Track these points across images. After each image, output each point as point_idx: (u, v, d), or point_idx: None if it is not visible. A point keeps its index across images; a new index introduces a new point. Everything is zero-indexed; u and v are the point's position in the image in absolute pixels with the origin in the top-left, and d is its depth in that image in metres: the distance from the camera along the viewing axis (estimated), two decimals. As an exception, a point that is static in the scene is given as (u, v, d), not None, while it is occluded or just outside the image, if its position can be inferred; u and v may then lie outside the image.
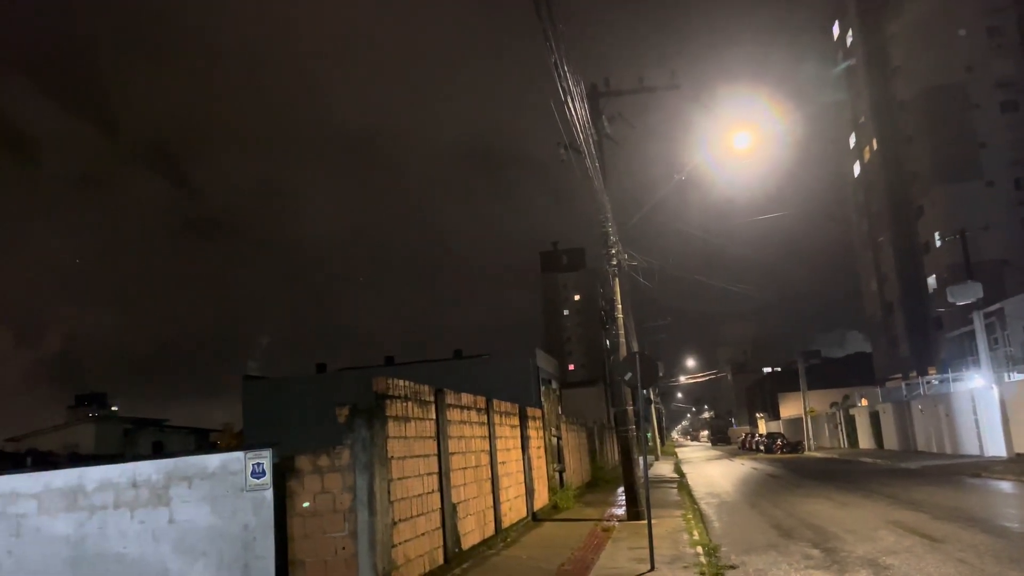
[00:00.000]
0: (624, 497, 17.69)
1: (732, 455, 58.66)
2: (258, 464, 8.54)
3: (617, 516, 17.06)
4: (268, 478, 8.49)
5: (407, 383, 9.98)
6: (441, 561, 10.53)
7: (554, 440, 21.47)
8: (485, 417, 14.06)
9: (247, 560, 8.36)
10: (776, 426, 79.15)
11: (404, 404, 9.77)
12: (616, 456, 28.64)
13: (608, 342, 15.71)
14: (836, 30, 73.08)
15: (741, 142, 15.92)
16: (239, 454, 8.67)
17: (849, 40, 69.57)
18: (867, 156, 68.54)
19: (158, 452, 39.30)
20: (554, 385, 40.63)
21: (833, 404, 66.31)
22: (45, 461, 29.64)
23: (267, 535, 8.37)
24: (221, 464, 8.64)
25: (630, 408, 17.07)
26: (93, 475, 8.92)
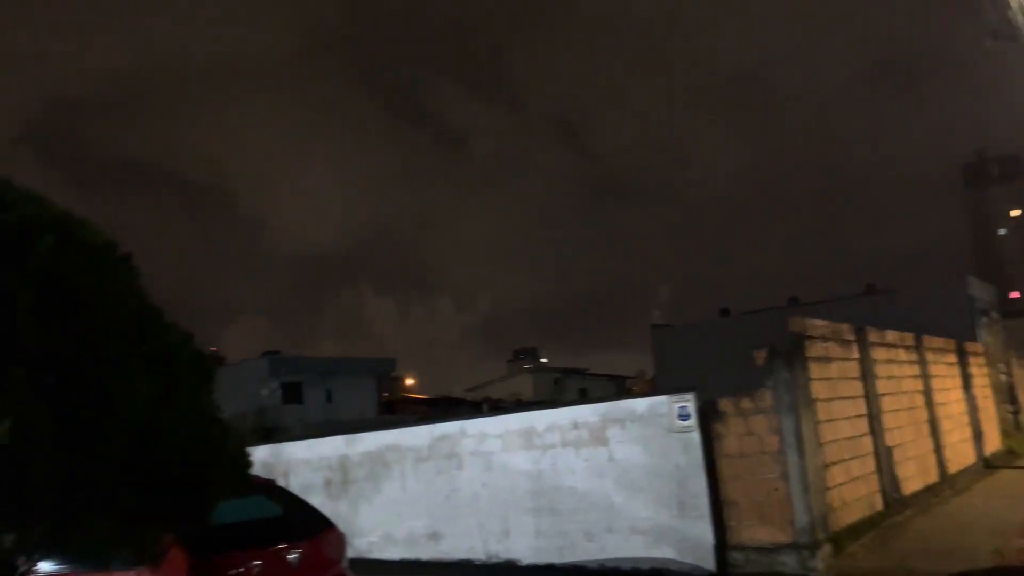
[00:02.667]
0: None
1: None
2: (683, 407, 8.93)
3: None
4: (694, 420, 8.83)
5: (824, 323, 9.55)
6: (880, 507, 9.97)
7: (1003, 378, 18.74)
8: (915, 355, 12.84)
9: (682, 497, 8.82)
10: None
11: (824, 345, 9.39)
12: (1090, 395, 23.99)
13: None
14: None
15: None
16: (664, 398, 9.16)
17: None
18: None
19: (584, 398, 43.12)
20: (994, 315, 35.27)
21: None
22: (497, 407, 34.42)
23: (698, 475, 8.73)
24: (648, 407, 9.21)
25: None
26: (541, 418, 10.16)
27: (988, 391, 17.14)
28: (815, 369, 8.94)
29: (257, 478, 5.94)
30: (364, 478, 11.80)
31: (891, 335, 11.84)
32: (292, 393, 36.95)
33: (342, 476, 12.10)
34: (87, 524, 3.24)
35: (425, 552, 10.80)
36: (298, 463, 12.64)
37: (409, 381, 51.88)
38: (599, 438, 9.56)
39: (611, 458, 9.41)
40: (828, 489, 8.60)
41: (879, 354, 11.13)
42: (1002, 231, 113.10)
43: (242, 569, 5.48)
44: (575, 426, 9.79)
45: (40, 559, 3.66)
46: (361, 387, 39.06)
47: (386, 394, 43.30)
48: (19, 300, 3.18)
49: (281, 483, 9.15)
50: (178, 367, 3.88)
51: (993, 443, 16.38)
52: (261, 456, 11.49)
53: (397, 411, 39.36)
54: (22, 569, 3.52)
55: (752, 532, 8.40)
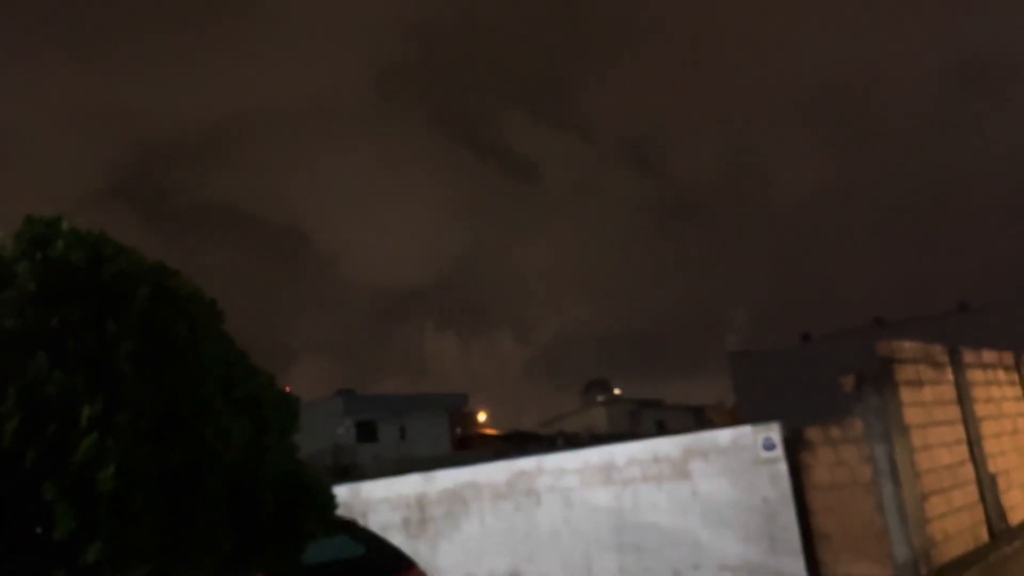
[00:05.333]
0: None
1: None
2: (768, 438, 8.67)
3: None
4: (780, 451, 8.55)
5: (914, 344, 9.17)
6: (986, 539, 9.42)
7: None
8: (1016, 376, 12.19)
9: (772, 532, 8.52)
10: None
11: (914, 367, 9.01)
12: None
13: None
14: None
15: None
16: (747, 429, 8.91)
17: None
18: None
19: (663, 430, 42.38)
20: (1100, 331, 33.20)
21: None
22: (572, 442, 34.11)
23: (788, 507, 8.43)
24: (732, 439, 8.98)
25: None
26: (621, 452, 10.01)
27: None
28: (907, 394, 8.56)
29: (340, 517, 6.01)
30: (442, 516, 11.80)
31: (988, 355, 11.28)
32: (366, 431, 37.42)
33: (420, 514, 12.13)
34: (190, 566, 3.33)
35: (508, 590, 10.68)
36: (376, 502, 12.74)
37: (481, 416, 51.93)
38: (681, 472, 9.35)
39: (695, 492, 9.18)
40: (928, 521, 8.18)
41: (976, 376, 10.60)
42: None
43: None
44: (656, 460, 9.61)
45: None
46: (434, 423, 39.30)
47: (459, 430, 43.44)
48: (120, 349, 3.32)
49: (360, 522, 9.25)
50: (266, 409, 3.98)
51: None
52: (340, 495, 11.58)
53: (471, 447, 39.41)
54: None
55: (848, 567, 8.04)
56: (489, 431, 48.13)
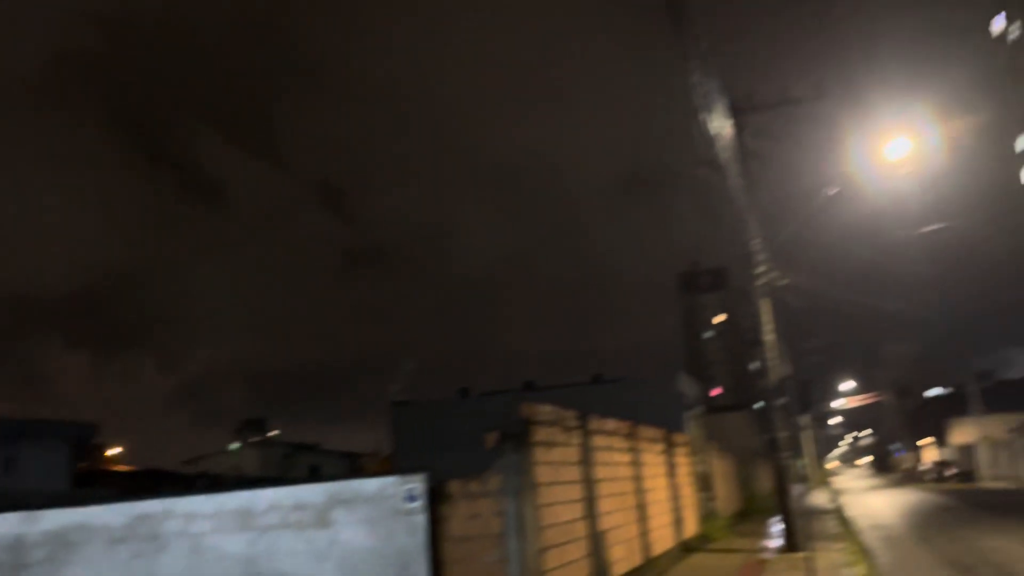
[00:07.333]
0: (778, 528, 16.87)
1: (895, 484, 54.75)
2: (411, 489, 8.79)
3: (772, 547, 16.28)
4: (421, 503, 8.72)
5: (552, 408, 10.00)
6: (591, 589, 10.41)
7: (701, 467, 20.82)
8: (630, 443, 13.86)
9: (403, 582, 8.58)
10: (944, 453, 73.15)
11: (549, 430, 9.80)
12: (768, 484, 27.40)
13: (757, 365, 15.11)
14: (998, 25, 67.79)
15: (896, 151, 14.99)
16: (394, 479, 8.96)
17: (1011, 36, 64.34)
18: (1039, 159, 62.89)
19: (315, 476, 41.28)
20: (698, 410, 39.52)
21: (1011, 430, 60.56)
22: (216, 483, 31.83)
23: (420, 558, 8.57)
24: (378, 488, 8.96)
25: (782, 434, 16.31)
26: (263, 497, 9.47)
27: (689, 479, 18.90)
28: (540, 453, 9.27)
29: None
30: (43, 561, 10.16)
31: (611, 423, 12.69)
32: (-41, 460, 31.39)
33: (13, 560, 10.32)
34: None
35: (109, 650, 9.42)
36: (-43, 544, 10.60)
37: (114, 450, 46.53)
38: (323, 520, 9.09)
39: (334, 541, 8.97)
40: (544, 573, 8.83)
41: (599, 441, 11.85)
42: (707, 334, 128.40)
43: None
44: (298, 506, 9.24)
45: None
46: (51, 455, 34.17)
47: (83, 464, 38.33)
48: None
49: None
50: None
51: (691, 528, 17.99)
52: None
53: (95, 484, 34.91)
54: None
55: (470, 617, 8.34)
56: (121, 467, 43.10)
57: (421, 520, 8.67)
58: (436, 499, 8.77)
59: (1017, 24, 63.53)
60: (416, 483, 8.79)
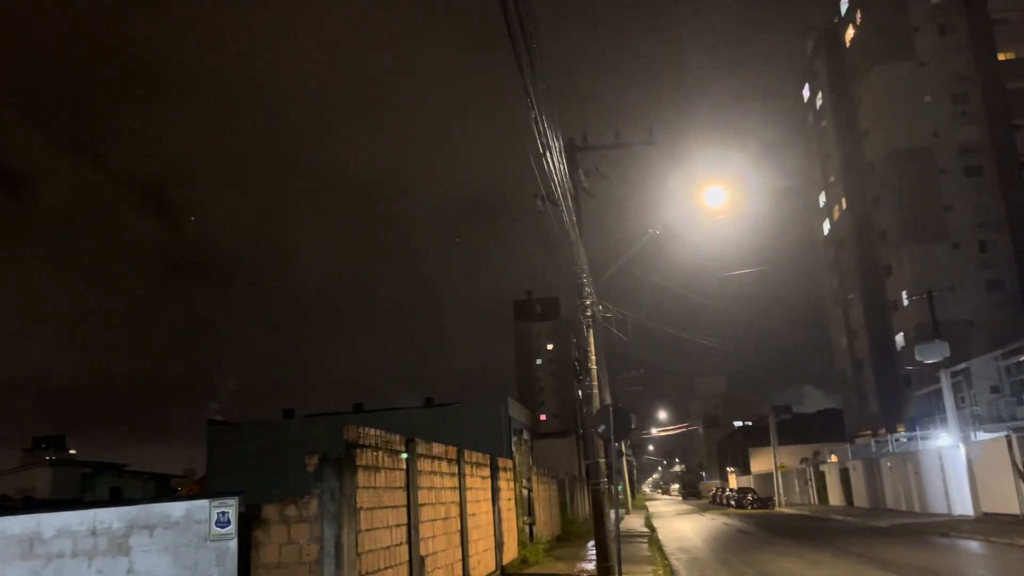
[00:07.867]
0: (595, 551, 17.47)
1: (703, 509, 58.33)
2: (223, 513, 8.35)
3: (587, 571, 16.83)
4: (233, 527, 8.30)
5: (378, 432, 9.86)
6: (408, 616, 10.29)
7: (525, 492, 21.23)
8: (456, 468, 13.90)
9: (208, 613, 8.10)
10: (747, 481, 78.94)
11: (375, 453, 9.65)
12: (587, 509, 28.35)
13: (581, 393, 15.68)
14: (807, 92, 75.25)
15: (714, 199, 16.20)
16: (204, 502, 8.48)
17: (819, 103, 71.62)
18: (836, 215, 70.03)
19: (116, 498, 38.18)
20: (525, 435, 40.32)
21: (803, 460, 66.38)
22: (2, 506, 28.73)
23: (229, 587, 8.14)
24: (186, 513, 8.43)
25: (602, 460, 16.97)
26: (51, 522, 8.64)
27: (512, 504, 19.20)
28: (364, 478, 9.10)
29: None
30: None
31: (437, 447, 12.68)
32: None
33: None
34: None
35: None
36: None
37: None
38: (121, 547, 8.42)
39: (131, 569, 8.32)
40: (361, 600, 8.63)
41: (424, 465, 11.80)
42: (539, 361, 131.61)
43: None
44: (93, 532, 8.51)
45: None
46: None
47: None
48: None
49: None
50: None
51: (512, 552, 18.25)
52: None
53: None
54: None
55: (279, 649, 7.99)
56: None
57: (232, 546, 8.25)
58: (250, 524, 8.38)
59: (820, 95, 70.80)
60: (228, 506, 8.37)
